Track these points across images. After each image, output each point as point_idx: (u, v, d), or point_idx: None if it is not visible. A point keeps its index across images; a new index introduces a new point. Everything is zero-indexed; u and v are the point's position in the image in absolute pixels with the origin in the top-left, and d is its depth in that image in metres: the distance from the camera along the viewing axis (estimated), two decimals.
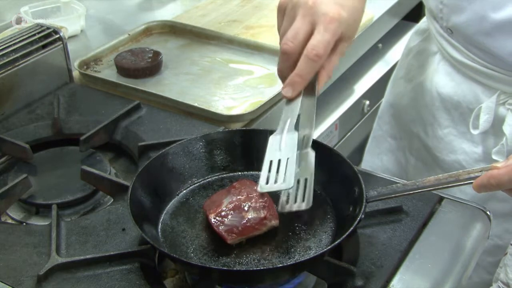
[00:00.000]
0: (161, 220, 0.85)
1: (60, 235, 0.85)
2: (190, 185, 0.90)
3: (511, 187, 0.73)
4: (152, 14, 1.60)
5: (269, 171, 0.77)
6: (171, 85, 1.23)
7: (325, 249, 0.78)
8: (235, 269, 0.77)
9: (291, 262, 0.77)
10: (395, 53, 1.69)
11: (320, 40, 0.79)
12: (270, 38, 1.37)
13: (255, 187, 0.80)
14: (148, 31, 1.42)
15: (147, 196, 0.84)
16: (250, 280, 0.78)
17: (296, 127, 0.81)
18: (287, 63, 0.82)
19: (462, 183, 0.76)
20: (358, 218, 0.76)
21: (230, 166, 0.92)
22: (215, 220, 0.79)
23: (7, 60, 1.10)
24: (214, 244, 0.80)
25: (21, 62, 1.12)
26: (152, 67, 1.25)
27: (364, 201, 0.79)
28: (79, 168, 0.95)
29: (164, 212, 0.86)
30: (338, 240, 0.75)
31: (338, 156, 0.87)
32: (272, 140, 0.81)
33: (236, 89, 1.21)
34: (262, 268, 0.77)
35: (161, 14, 1.57)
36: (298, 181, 0.78)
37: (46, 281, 0.78)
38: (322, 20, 0.80)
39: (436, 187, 0.78)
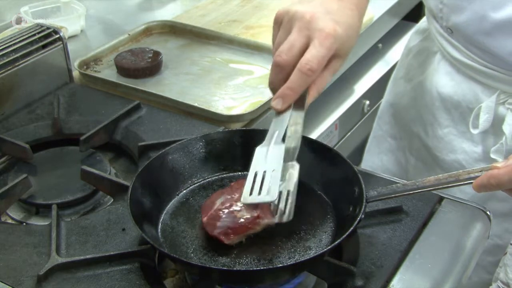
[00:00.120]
0: (161, 220, 0.85)
1: (60, 235, 0.85)
2: (190, 185, 0.90)
3: (511, 187, 0.73)
4: (152, 14, 1.60)
5: (254, 182, 0.77)
6: (171, 85, 1.23)
7: (325, 249, 0.78)
8: (235, 269, 0.77)
9: (291, 262, 0.77)
10: (395, 53, 1.69)
11: (315, 55, 0.79)
12: (270, 38, 1.36)
13: None
14: (148, 31, 1.42)
15: (147, 196, 0.84)
16: (250, 280, 0.78)
17: (284, 139, 0.81)
18: (280, 75, 0.81)
19: (462, 183, 0.76)
20: (358, 218, 0.76)
21: (230, 166, 0.92)
22: (207, 223, 0.79)
23: (7, 60, 1.10)
24: (214, 244, 0.80)
25: (21, 62, 1.12)
26: (152, 67, 1.25)
27: (364, 201, 0.79)
28: (79, 168, 0.95)
29: (164, 212, 0.86)
30: (338, 240, 0.75)
31: (338, 156, 0.87)
32: (258, 152, 0.80)
33: (236, 89, 1.21)
34: (262, 268, 0.77)
35: (161, 14, 1.57)
36: (281, 193, 0.77)
37: (46, 281, 0.78)
38: (318, 35, 0.79)
39: (436, 187, 0.78)
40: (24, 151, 1.01)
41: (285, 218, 0.77)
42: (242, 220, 0.78)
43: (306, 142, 0.90)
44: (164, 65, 1.28)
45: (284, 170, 0.78)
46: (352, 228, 0.75)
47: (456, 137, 1.12)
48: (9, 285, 0.78)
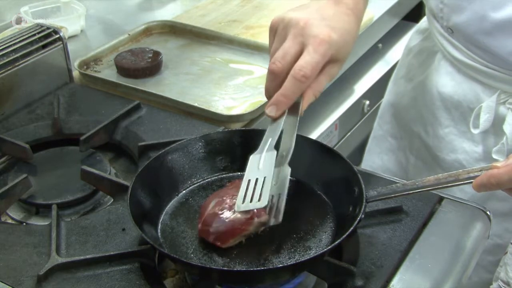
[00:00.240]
0: (161, 220, 0.85)
1: (60, 235, 0.85)
2: (190, 185, 0.90)
3: (511, 186, 0.73)
4: (152, 14, 1.60)
5: (247, 190, 0.78)
6: (171, 85, 1.23)
7: (325, 249, 0.78)
8: (235, 269, 0.77)
9: (291, 262, 0.77)
10: (395, 53, 1.69)
11: (308, 61, 0.79)
12: None
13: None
14: (148, 31, 1.42)
15: (147, 196, 0.84)
16: (250, 280, 0.78)
17: (278, 145, 0.81)
18: (274, 83, 0.81)
19: (462, 182, 0.76)
20: (358, 218, 0.76)
21: (230, 166, 0.92)
22: (201, 230, 0.80)
23: (7, 60, 1.10)
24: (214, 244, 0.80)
25: (21, 62, 1.12)
26: (152, 67, 1.25)
27: (364, 201, 0.79)
28: (79, 168, 0.95)
29: (164, 212, 0.86)
30: (338, 240, 0.75)
31: (338, 156, 0.87)
32: (252, 159, 0.81)
33: (236, 89, 1.21)
34: (262, 268, 0.77)
35: (161, 14, 1.57)
36: (273, 197, 0.77)
37: (46, 281, 0.78)
38: (312, 41, 0.79)
39: (436, 187, 0.78)
40: (24, 151, 1.01)
41: (272, 222, 0.77)
42: (234, 222, 0.78)
43: (306, 142, 0.91)
44: (164, 65, 1.28)
45: (276, 174, 0.79)
46: (352, 228, 0.75)
47: (456, 137, 1.12)
48: (9, 285, 0.78)
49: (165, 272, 0.85)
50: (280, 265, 0.77)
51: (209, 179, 0.91)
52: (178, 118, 1.09)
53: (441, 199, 0.91)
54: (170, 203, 0.87)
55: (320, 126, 1.43)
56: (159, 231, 0.83)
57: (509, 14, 0.94)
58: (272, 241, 0.80)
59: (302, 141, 0.90)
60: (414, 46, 1.23)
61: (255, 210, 0.78)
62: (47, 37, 1.16)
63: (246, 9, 1.55)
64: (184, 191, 0.89)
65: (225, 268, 0.77)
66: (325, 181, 0.88)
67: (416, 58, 1.22)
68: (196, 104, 1.13)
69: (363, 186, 0.80)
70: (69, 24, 1.42)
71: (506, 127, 1.03)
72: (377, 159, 1.35)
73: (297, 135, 0.89)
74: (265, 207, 0.77)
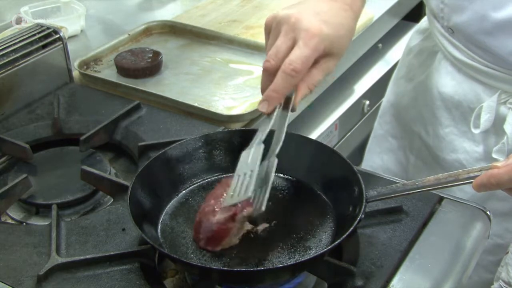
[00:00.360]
0: (160, 220, 0.85)
1: (60, 235, 0.85)
2: (190, 185, 0.90)
3: (511, 186, 0.73)
4: (152, 14, 1.60)
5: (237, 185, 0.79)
6: (171, 85, 1.23)
7: (325, 249, 0.78)
8: (235, 269, 0.77)
9: (291, 262, 0.77)
10: (395, 53, 1.69)
11: (298, 55, 0.79)
12: None
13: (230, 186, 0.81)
14: (148, 31, 1.42)
15: (147, 196, 0.84)
16: (250, 280, 0.78)
17: (271, 140, 0.82)
18: (269, 80, 0.81)
19: (462, 182, 0.76)
20: (358, 218, 0.76)
21: (230, 166, 0.92)
22: (195, 237, 0.80)
23: (7, 60, 1.10)
24: None
25: (21, 62, 1.12)
26: (152, 67, 1.25)
27: (364, 201, 0.79)
28: (79, 168, 0.95)
29: (164, 212, 0.86)
30: (338, 240, 0.75)
31: (338, 156, 0.87)
32: (243, 156, 0.81)
33: (236, 89, 1.21)
34: (262, 268, 0.77)
35: (161, 14, 1.57)
36: (260, 189, 0.78)
37: (46, 281, 0.78)
38: (303, 35, 0.80)
39: (436, 187, 0.78)
40: (24, 151, 1.01)
41: (255, 212, 0.77)
42: (219, 224, 0.78)
43: (306, 142, 0.91)
44: (164, 65, 1.28)
45: (264, 166, 0.79)
46: (352, 228, 0.75)
47: (457, 137, 1.12)
48: (9, 285, 0.78)
49: (165, 272, 0.85)
50: (280, 265, 0.77)
51: (209, 179, 0.91)
52: (178, 118, 1.09)
53: (441, 199, 0.91)
54: (170, 203, 0.87)
55: (320, 126, 1.43)
56: (159, 231, 0.83)
57: (510, 14, 0.94)
58: (272, 241, 0.80)
59: (302, 141, 0.90)
60: (415, 46, 1.23)
61: (239, 205, 0.78)
62: (47, 37, 1.16)
63: (246, 9, 1.55)
64: (184, 191, 0.89)
65: (225, 268, 0.77)
66: (325, 181, 0.88)
67: (416, 58, 1.22)
68: (196, 104, 1.13)
69: (363, 186, 0.80)
70: (69, 24, 1.42)
71: (507, 127, 1.03)
72: (377, 159, 1.35)
73: (297, 135, 0.89)
74: (249, 199, 0.77)
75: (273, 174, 0.78)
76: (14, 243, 0.84)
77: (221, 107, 1.16)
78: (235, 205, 0.78)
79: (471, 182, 0.75)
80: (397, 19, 1.71)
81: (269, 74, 0.81)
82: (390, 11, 1.62)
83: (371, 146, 1.38)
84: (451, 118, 1.12)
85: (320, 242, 0.80)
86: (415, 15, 1.74)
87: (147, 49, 1.30)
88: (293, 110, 0.83)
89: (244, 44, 1.35)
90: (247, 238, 0.80)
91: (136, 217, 0.78)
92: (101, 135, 1.04)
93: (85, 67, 1.28)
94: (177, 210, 0.86)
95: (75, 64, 1.23)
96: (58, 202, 0.93)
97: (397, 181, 0.90)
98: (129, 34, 1.38)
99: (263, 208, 0.76)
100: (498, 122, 1.04)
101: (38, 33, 1.16)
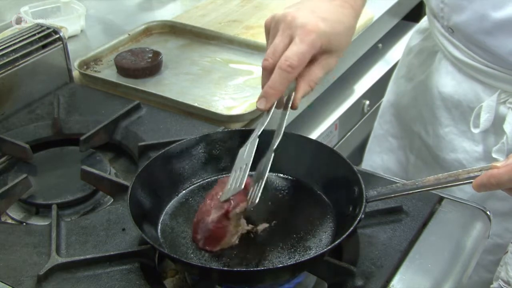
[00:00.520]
0: (160, 220, 0.85)
1: (60, 235, 0.85)
2: (190, 185, 0.90)
3: (511, 186, 0.73)
4: (152, 14, 1.60)
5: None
6: (171, 85, 1.23)
7: (325, 249, 0.78)
8: (235, 269, 0.77)
9: (291, 262, 0.77)
10: (395, 53, 1.69)
11: (294, 51, 0.79)
12: None
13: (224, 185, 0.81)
14: (148, 31, 1.42)
15: (147, 196, 0.84)
16: (250, 280, 0.78)
17: (270, 137, 0.83)
18: (268, 79, 0.82)
19: (462, 182, 0.76)
20: (358, 218, 0.76)
21: (230, 166, 0.91)
22: (194, 238, 0.80)
23: (7, 60, 1.10)
24: None
25: (21, 62, 1.12)
26: (152, 67, 1.25)
27: (364, 201, 0.79)
28: (79, 168, 0.95)
29: (164, 212, 0.86)
30: (338, 240, 0.75)
31: (338, 156, 0.87)
32: (240, 152, 0.83)
33: (236, 89, 1.21)
34: (262, 268, 0.77)
35: (161, 14, 1.57)
36: (257, 182, 0.80)
37: (46, 281, 0.78)
38: (300, 32, 0.80)
39: (436, 187, 0.78)
40: (24, 151, 1.01)
41: (249, 206, 0.79)
42: (214, 223, 0.78)
43: (306, 142, 0.91)
44: (164, 65, 1.28)
45: (262, 162, 0.81)
46: (352, 228, 0.75)
47: (457, 136, 1.12)
48: (9, 285, 0.78)
49: (165, 272, 0.85)
50: (280, 265, 0.77)
51: (209, 179, 0.91)
52: (178, 118, 1.09)
53: (441, 199, 0.91)
54: (170, 203, 0.87)
55: (320, 126, 1.43)
56: (159, 231, 0.83)
57: (509, 13, 0.94)
58: (272, 241, 0.80)
59: (302, 141, 0.90)
60: (415, 46, 1.23)
61: (231, 202, 0.79)
62: (47, 37, 1.16)
63: (246, 9, 1.55)
64: (184, 191, 0.89)
65: (225, 268, 0.77)
66: (325, 181, 0.88)
67: (416, 58, 1.22)
68: (196, 104, 1.13)
69: (363, 186, 0.80)
70: (69, 24, 1.42)
71: (507, 127, 1.03)
72: (377, 159, 1.35)
73: (297, 135, 0.89)
74: (242, 192, 0.78)
75: (268, 167, 0.79)
76: (14, 243, 0.84)
77: (221, 107, 1.16)
78: (228, 201, 0.79)
79: (471, 182, 0.75)
80: (397, 19, 1.71)
81: (268, 73, 0.82)
82: (390, 11, 1.62)
83: (371, 146, 1.38)
84: (451, 118, 1.12)
85: (320, 242, 0.80)
86: (415, 15, 1.74)
87: (147, 49, 1.30)
88: (294, 107, 0.84)
89: (244, 44, 1.35)
90: (247, 238, 0.80)
91: (136, 217, 0.78)
92: (101, 135, 1.04)
93: (85, 67, 1.28)
94: (177, 210, 0.86)
95: (75, 64, 1.23)
96: (58, 202, 0.93)
97: (397, 181, 0.90)
98: (129, 34, 1.38)
99: (256, 200, 0.77)
100: (497, 122, 1.04)
101: (38, 33, 1.16)
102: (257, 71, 1.27)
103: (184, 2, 1.65)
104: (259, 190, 0.78)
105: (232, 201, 0.78)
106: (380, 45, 1.68)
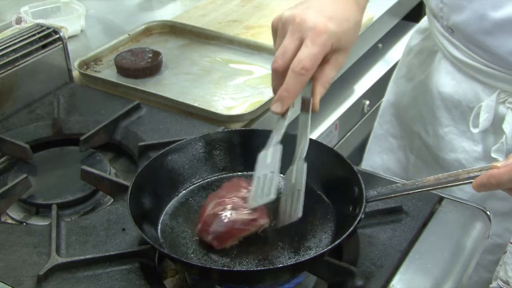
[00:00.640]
0: (160, 221, 0.85)
1: (60, 235, 0.85)
2: (190, 185, 0.90)
3: (511, 186, 0.73)
4: (152, 14, 1.60)
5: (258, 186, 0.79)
6: (171, 85, 1.23)
7: (325, 249, 0.78)
8: (235, 269, 0.77)
9: (291, 262, 0.77)
10: (395, 53, 1.69)
11: (306, 53, 0.79)
12: (270, 38, 1.35)
13: (243, 187, 0.81)
14: (148, 31, 1.42)
15: (147, 196, 0.84)
16: (250, 280, 0.78)
17: (293, 141, 0.82)
18: (278, 81, 0.82)
19: (462, 182, 0.76)
20: (358, 218, 0.76)
21: (230, 166, 0.92)
22: (201, 229, 0.80)
23: (7, 60, 1.10)
24: None
25: (21, 62, 1.12)
26: (152, 67, 1.25)
27: (364, 201, 0.79)
28: (79, 168, 0.95)
29: (164, 212, 0.86)
30: (338, 240, 0.75)
31: (338, 156, 0.87)
32: (260, 157, 0.81)
33: (236, 89, 1.21)
34: (262, 268, 0.77)
35: (161, 14, 1.57)
36: (293, 194, 0.79)
37: (46, 281, 0.78)
38: (310, 34, 0.80)
39: (436, 187, 0.78)
40: (24, 151, 1.01)
41: (294, 217, 0.78)
42: (235, 223, 0.78)
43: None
44: (164, 65, 1.28)
45: (293, 170, 0.80)
46: (352, 228, 0.75)
47: (456, 136, 1.12)
48: (9, 285, 0.78)
49: (165, 272, 0.85)
50: (280, 265, 0.77)
51: (209, 179, 0.91)
52: (178, 118, 1.09)
53: (441, 199, 0.91)
54: (170, 203, 0.87)
55: (320, 126, 1.43)
56: (159, 231, 0.83)
57: (509, 13, 0.94)
58: (272, 241, 0.80)
59: None
60: (415, 46, 1.23)
61: (261, 210, 0.79)
62: (47, 37, 1.16)
63: (246, 9, 1.55)
64: (184, 191, 0.89)
65: (225, 268, 0.77)
66: (325, 181, 0.88)
67: (416, 58, 1.22)
68: (196, 104, 1.13)
69: (363, 186, 0.80)
70: (69, 24, 1.42)
71: (506, 126, 1.03)
72: (377, 159, 1.35)
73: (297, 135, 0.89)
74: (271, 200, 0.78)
75: (304, 179, 0.79)
76: (14, 243, 0.84)
77: (221, 107, 1.16)
78: (255, 209, 0.79)
79: (471, 182, 0.75)
80: (397, 19, 1.71)
81: (278, 74, 0.81)
82: (390, 11, 1.63)
83: (371, 146, 1.38)
84: (450, 118, 1.12)
85: (320, 242, 0.80)
86: (415, 15, 1.74)
87: (147, 49, 1.30)
88: (314, 110, 0.84)
89: (244, 44, 1.35)
90: (247, 238, 0.80)
91: (136, 217, 0.78)
92: (101, 135, 1.04)
93: (85, 67, 1.28)
94: (177, 210, 0.86)
95: (75, 64, 1.23)
96: (58, 202, 0.93)
97: (397, 181, 0.90)
98: (129, 34, 1.38)
99: (300, 214, 0.77)
100: (497, 122, 1.04)
101: (38, 33, 1.16)
102: (257, 71, 1.27)
103: (184, 2, 1.65)
104: (298, 203, 0.78)
105: (258, 211, 0.79)
106: (380, 45, 1.68)
